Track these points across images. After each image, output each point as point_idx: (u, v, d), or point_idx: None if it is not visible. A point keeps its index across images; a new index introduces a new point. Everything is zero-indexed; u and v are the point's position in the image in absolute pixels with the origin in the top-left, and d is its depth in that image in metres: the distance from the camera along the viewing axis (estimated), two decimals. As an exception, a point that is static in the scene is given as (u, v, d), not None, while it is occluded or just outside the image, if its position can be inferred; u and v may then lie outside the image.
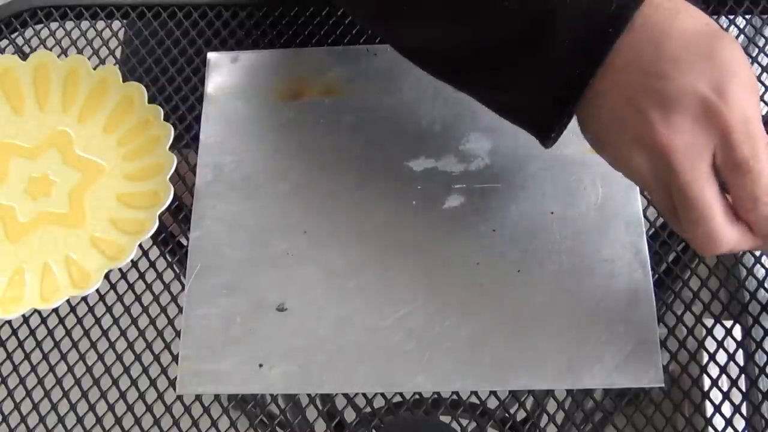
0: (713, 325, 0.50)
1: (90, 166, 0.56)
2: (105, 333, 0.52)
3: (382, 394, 0.49)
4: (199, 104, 0.58)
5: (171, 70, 0.60)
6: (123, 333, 0.52)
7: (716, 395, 0.48)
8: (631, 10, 0.39)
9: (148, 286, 0.53)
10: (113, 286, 0.53)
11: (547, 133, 0.44)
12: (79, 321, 0.52)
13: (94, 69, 0.57)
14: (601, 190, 0.53)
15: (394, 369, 0.49)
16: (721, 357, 0.49)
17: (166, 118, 0.55)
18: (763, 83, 0.57)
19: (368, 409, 0.50)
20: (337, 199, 0.54)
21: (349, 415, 0.51)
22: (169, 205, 0.52)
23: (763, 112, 0.56)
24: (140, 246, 0.52)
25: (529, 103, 0.44)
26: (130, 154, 0.56)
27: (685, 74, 0.38)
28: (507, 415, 0.50)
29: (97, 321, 0.52)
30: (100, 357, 0.51)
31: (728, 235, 0.40)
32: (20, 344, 0.52)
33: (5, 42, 0.63)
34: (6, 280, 0.52)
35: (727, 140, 0.38)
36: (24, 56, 0.59)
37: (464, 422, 0.49)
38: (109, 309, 0.52)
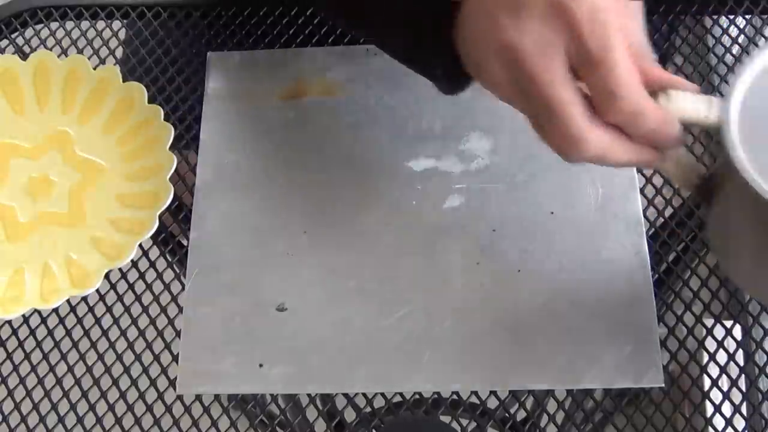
0: (713, 325, 0.50)
1: (90, 166, 0.56)
2: (105, 333, 0.52)
3: (382, 394, 0.49)
4: (199, 104, 0.58)
5: (171, 70, 0.60)
6: (123, 333, 0.52)
7: (716, 395, 0.48)
8: None
9: (148, 286, 0.53)
10: (113, 286, 0.53)
11: (432, 69, 0.44)
12: (79, 321, 0.52)
13: (94, 69, 0.57)
14: (601, 190, 0.53)
15: (394, 369, 0.49)
16: (721, 357, 0.49)
17: (166, 118, 0.55)
18: (763, 83, 0.57)
19: (368, 409, 0.50)
20: (337, 199, 0.54)
21: (349, 415, 0.51)
22: (169, 205, 0.52)
23: None
24: (140, 246, 0.52)
25: (413, 39, 0.43)
26: (130, 155, 0.56)
27: None
28: (507, 415, 0.50)
29: (97, 321, 0.52)
30: (100, 357, 0.51)
31: (592, 137, 0.37)
32: (20, 344, 0.52)
33: (5, 42, 0.63)
34: (6, 280, 0.52)
35: (575, 34, 0.36)
36: (24, 56, 0.59)
37: (464, 422, 0.49)
38: (109, 309, 0.52)
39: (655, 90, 0.38)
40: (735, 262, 0.44)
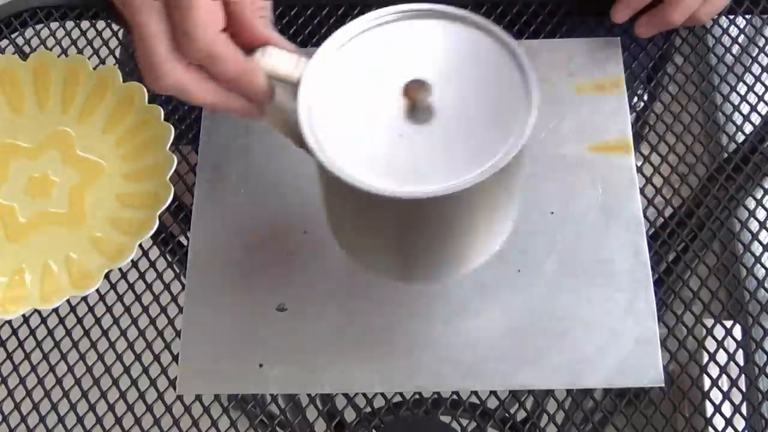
0: (713, 325, 0.50)
1: (90, 166, 0.56)
2: (105, 333, 0.52)
3: (382, 394, 0.49)
4: (199, 104, 0.58)
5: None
6: (123, 333, 0.52)
7: (716, 395, 0.48)
8: None
9: (148, 286, 0.53)
10: (113, 286, 0.53)
11: None
12: (79, 321, 0.52)
13: (94, 69, 0.57)
14: (601, 190, 0.53)
15: (394, 369, 0.49)
16: (721, 357, 0.49)
17: (166, 118, 0.55)
18: (763, 83, 0.57)
19: (368, 409, 0.50)
20: (337, 199, 0.54)
21: (349, 415, 0.51)
22: (169, 205, 0.52)
23: (764, 112, 0.56)
24: (140, 246, 0.52)
25: None
26: (129, 154, 0.56)
27: None
28: (507, 415, 0.50)
29: (97, 321, 0.52)
30: (100, 357, 0.51)
31: (169, 68, 0.40)
32: (20, 344, 0.52)
33: (5, 42, 0.63)
34: (6, 280, 0.52)
35: None
36: (24, 56, 0.59)
37: (464, 422, 0.49)
38: (109, 309, 0.52)
39: (257, 46, 0.41)
40: (338, 227, 0.46)
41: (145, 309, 0.52)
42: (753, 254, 0.52)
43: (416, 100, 0.38)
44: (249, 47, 0.41)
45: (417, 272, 0.47)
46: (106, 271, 0.51)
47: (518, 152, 0.37)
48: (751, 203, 0.54)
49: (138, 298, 0.53)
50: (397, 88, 0.38)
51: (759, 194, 0.54)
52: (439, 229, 0.41)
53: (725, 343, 0.49)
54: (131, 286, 0.53)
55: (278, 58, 0.41)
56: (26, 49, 0.62)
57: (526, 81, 0.38)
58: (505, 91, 0.38)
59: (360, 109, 0.39)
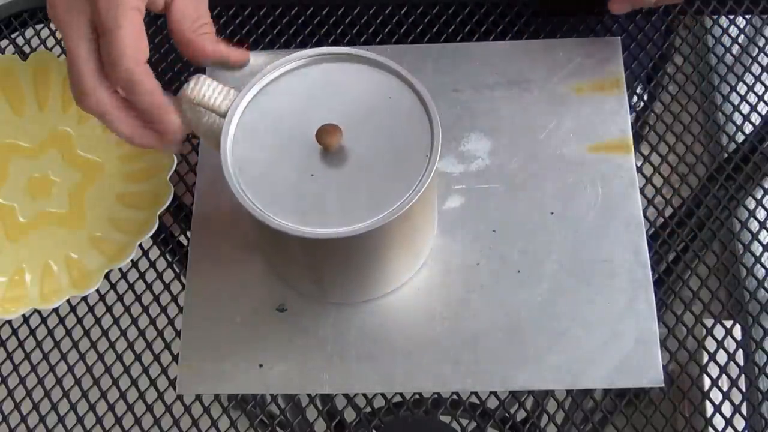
0: (713, 325, 0.50)
1: (90, 166, 0.56)
2: (105, 333, 0.52)
3: (382, 394, 0.49)
4: (199, 104, 0.58)
5: (172, 70, 0.60)
6: (123, 333, 0.52)
7: (716, 395, 0.48)
8: None
9: (148, 286, 0.53)
10: (113, 286, 0.53)
11: None
12: (79, 321, 0.52)
13: (94, 69, 0.57)
14: (601, 190, 0.53)
15: (394, 369, 0.49)
16: (721, 357, 0.49)
17: (166, 118, 0.55)
18: (763, 83, 0.57)
19: (368, 409, 0.50)
20: (337, 199, 0.54)
21: (349, 415, 0.51)
22: (169, 205, 0.52)
23: (764, 112, 0.56)
24: (140, 246, 0.52)
25: None
26: (130, 155, 0.56)
27: None
28: (507, 415, 0.50)
29: (97, 321, 0.52)
30: (100, 357, 0.51)
31: (93, 92, 0.42)
32: (20, 344, 0.52)
33: (5, 42, 0.63)
34: (6, 280, 0.52)
35: (93, 3, 0.41)
36: (24, 56, 0.59)
37: (464, 422, 0.49)
38: (109, 309, 0.52)
39: (208, 62, 0.43)
40: (262, 252, 0.50)
41: (145, 309, 0.52)
42: (753, 254, 0.52)
43: (327, 145, 0.41)
44: (200, 65, 0.44)
45: (332, 296, 0.50)
46: (106, 271, 0.51)
47: (417, 199, 0.40)
48: (751, 203, 0.54)
49: (138, 298, 0.53)
50: (314, 130, 0.41)
51: (759, 194, 0.54)
52: (344, 263, 0.45)
53: (725, 343, 0.49)
54: (131, 286, 0.53)
55: (209, 88, 0.43)
56: (26, 49, 0.62)
57: (432, 129, 0.41)
58: (412, 138, 0.42)
59: (279, 148, 0.42)
